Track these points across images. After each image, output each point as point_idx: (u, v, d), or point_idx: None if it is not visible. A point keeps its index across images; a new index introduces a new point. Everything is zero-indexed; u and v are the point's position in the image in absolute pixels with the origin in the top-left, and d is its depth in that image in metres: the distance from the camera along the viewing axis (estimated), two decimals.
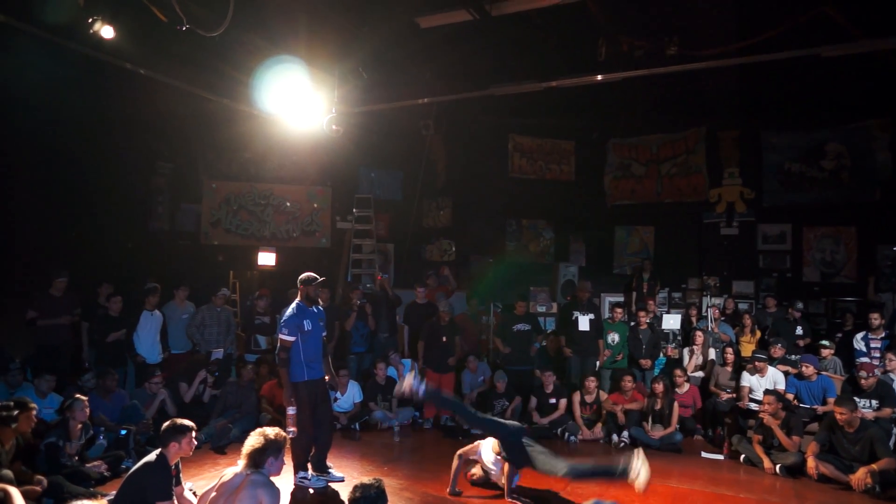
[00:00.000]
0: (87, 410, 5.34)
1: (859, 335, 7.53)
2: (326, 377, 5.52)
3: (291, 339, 5.22)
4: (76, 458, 5.19)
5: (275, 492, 3.39)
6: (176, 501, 4.12)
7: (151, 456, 4.11)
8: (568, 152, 12.04)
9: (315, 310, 5.46)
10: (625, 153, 11.71)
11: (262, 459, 3.48)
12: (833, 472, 5.59)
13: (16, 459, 4.69)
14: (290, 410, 5.17)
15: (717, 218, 10.80)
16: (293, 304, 5.38)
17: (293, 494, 5.13)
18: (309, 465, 5.39)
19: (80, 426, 5.26)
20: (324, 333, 5.57)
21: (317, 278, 5.47)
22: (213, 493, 3.48)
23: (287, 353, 5.23)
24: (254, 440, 3.53)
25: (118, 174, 8.93)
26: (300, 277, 5.46)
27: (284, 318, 5.29)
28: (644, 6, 7.14)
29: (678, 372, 7.56)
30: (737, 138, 10.79)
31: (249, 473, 3.43)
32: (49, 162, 8.00)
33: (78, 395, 5.35)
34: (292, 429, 5.06)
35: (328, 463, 5.51)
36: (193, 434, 4.24)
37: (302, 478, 5.29)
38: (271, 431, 3.60)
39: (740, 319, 8.67)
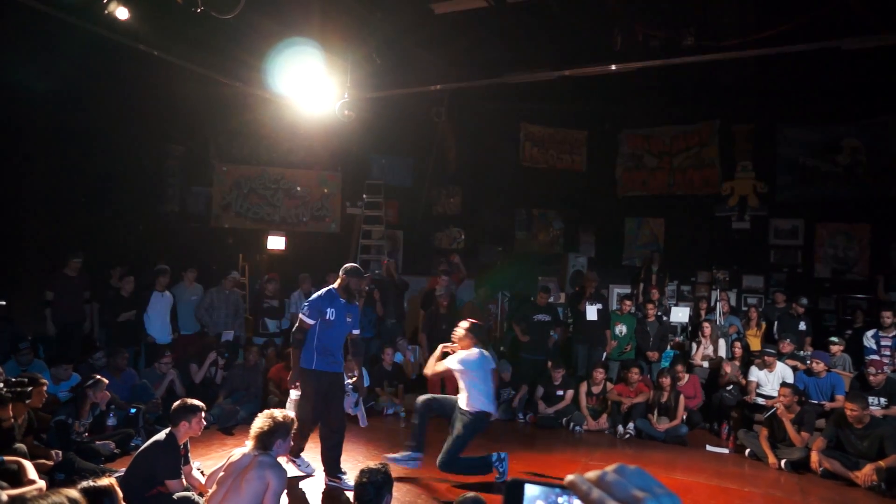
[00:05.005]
0: (108, 393, 5.35)
1: (869, 332, 7.47)
2: (352, 380, 5.21)
3: (310, 321, 4.83)
4: (86, 434, 5.27)
5: (282, 473, 3.43)
6: (184, 480, 4.17)
7: (161, 435, 4.16)
8: (580, 142, 11.95)
9: (345, 303, 4.97)
10: (637, 144, 11.60)
11: (271, 441, 3.51)
12: (838, 469, 5.57)
13: (28, 434, 4.76)
14: (293, 395, 4.96)
15: (729, 212, 10.69)
16: (325, 288, 5.02)
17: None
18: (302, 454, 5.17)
19: (90, 405, 5.32)
20: (355, 331, 5.14)
21: (363, 272, 5.06)
22: (222, 473, 3.52)
23: (302, 335, 4.89)
24: (262, 422, 3.55)
25: (130, 157, 8.97)
26: (346, 266, 5.01)
27: (310, 298, 4.99)
28: None
29: (679, 368, 7.47)
30: (751, 132, 10.66)
31: (257, 454, 3.46)
32: (62, 144, 8.04)
33: (100, 377, 5.34)
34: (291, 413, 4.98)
35: (342, 468, 5.01)
36: (203, 414, 4.29)
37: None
38: (279, 414, 3.63)
39: (746, 313, 8.63)
